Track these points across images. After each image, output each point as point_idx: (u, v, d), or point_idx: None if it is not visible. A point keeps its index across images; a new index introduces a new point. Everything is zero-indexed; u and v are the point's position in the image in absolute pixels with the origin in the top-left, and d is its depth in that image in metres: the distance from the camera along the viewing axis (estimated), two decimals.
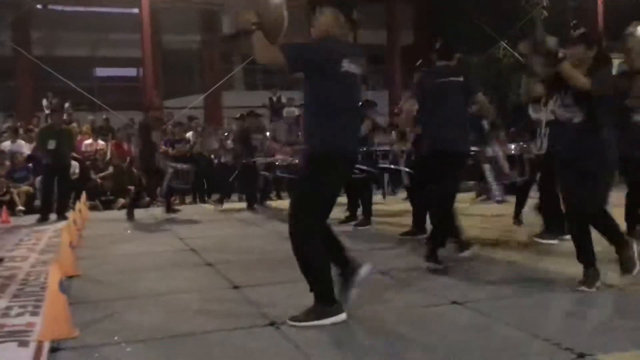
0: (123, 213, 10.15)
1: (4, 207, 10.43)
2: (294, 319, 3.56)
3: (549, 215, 5.98)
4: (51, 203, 9.96)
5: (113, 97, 18.76)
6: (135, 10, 16.09)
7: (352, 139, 3.68)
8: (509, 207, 7.33)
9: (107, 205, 11.93)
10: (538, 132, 6.14)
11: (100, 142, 13.73)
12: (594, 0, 18.19)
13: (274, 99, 18.86)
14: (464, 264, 5.09)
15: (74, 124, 15.17)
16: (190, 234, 7.48)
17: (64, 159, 10.02)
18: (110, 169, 12.59)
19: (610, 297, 4.00)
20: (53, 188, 9.94)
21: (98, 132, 14.42)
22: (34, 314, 3.98)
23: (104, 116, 16.33)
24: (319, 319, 3.52)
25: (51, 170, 9.90)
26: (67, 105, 16.66)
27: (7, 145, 12.99)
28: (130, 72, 21.22)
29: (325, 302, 3.56)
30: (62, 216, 9.67)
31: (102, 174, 12.66)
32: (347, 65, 3.51)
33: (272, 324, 3.61)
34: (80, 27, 18.62)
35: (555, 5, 18.76)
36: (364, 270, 3.67)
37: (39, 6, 19.22)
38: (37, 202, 10.67)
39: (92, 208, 11.42)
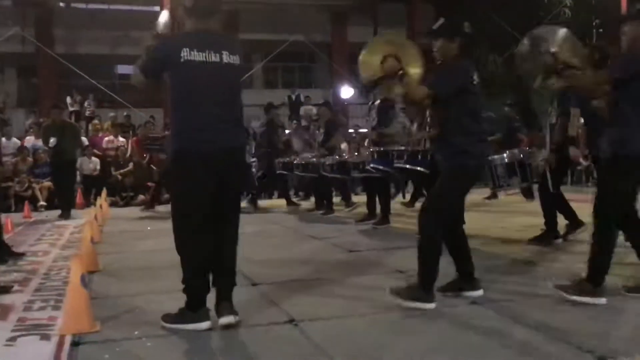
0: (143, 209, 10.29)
1: (26, 203, 10.58)
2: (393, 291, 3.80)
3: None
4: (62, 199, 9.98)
5: (134, 94, 18.90)
6: (157, 8, 16.17)
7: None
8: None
9: (128, 202, 12.04)
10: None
11: (121, 138, 13.87)
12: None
13: (293, 97, 18.92)
14: (484, 263, 5.05)
15: (96, 121, 15.35)
16: None
17: (67, 155, 9.68)
18: (131, 166, 12.70)
19: (634, 300, 3.95)
20: (60, 185, 9.99)
21: (119, 128, 14.58)
22: (55, 308, 4.03)
23: (125, 113, 16.48)
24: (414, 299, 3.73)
25: (55, 167, 9.88)
26: (88, 101, 16.88)
27: (30, 140, 13.19)
28: None
29: (425, 288, 3.76)
30: (66, 212, 9.54)
31: (122, 171, 12.78)
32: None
33: (290, 321, 3.62)
34: (102, 24, 18.86)
35: (578, 4, 18.57)
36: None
37: (61, 4, 19.50)
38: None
39: (113, 204, 11.54)
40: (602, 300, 3.79)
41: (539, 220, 6.09)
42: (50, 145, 9.48)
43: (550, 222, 6.00)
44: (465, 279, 4.07)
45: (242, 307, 3.68)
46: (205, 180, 3.41)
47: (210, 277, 3.57)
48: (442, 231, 3.87)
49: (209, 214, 3.46)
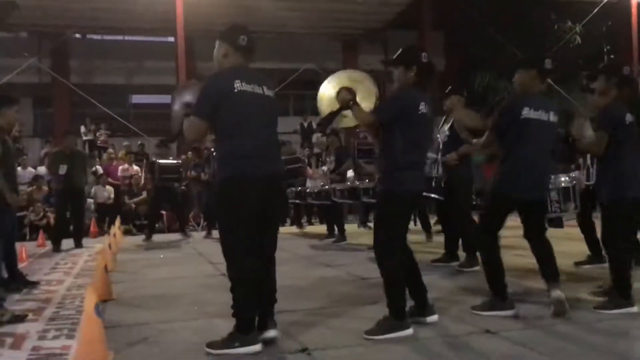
0: (158, 238, 10.33)
1: (41, 231, 10.67)
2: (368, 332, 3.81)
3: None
4: (65, 230, 9.59)
5: (148, 123, 19.14)
6: (171, 39, 16.48)
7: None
8: None
9: (141, 230, 12.10)
10: (582, 164, 6.15)
11: (135, 167, 14.00)
12: (628, 22, 17.99)
13: (305, 124, 19.03)
14: (470, 295, 5.01)
15: (110, 150, 15.51)
16: (221, 259, 7.48)
17: (77, 183, 9.47)
18: (144, 194, 12.80)
19: None
20: (66, 214, 9.61)
21: (133, 157, 14.73)
22: (69, 337, 4.04)
23: (139, 142, 16.64)
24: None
25: (64, 196, 9.43)
26: (101, 130, 17.07)
27: (43, 170, 13.34)
28: (166, 99, 21.55)
29: (397, 317, 3.81)
30: (78, 243, 9.41)
31: (136, 199, 12.88)
32: None
33: (303, 350, 3.61)
34: (117, 55, 19.15)
35: (588, 30, 18.65)
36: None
37: (77, 35, 19.84)
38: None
39: (126, 232, 11.61)
40: (635, 309, 4.20)
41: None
42: (60, 172, 9.22)
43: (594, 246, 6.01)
44: (420, 306, 4.10)
45: None
46: (254, 204, 3.56)
47: None
48: (397, 258, 3.90)
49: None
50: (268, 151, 3.66)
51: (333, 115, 4.08)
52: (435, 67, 4.31)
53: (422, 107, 3.92)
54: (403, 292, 3.91)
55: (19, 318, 4.53)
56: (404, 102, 3.94)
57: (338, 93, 4.09)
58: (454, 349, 3.60)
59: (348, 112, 4.07)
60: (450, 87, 6.53)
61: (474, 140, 5.65)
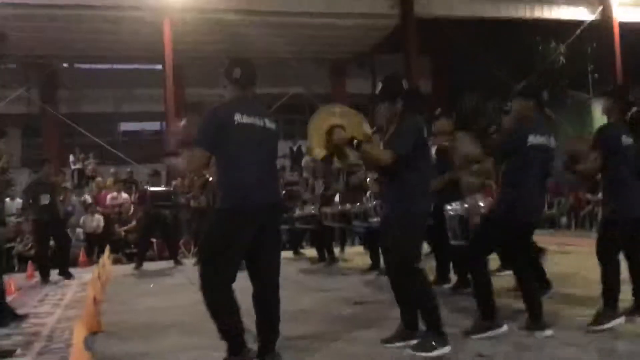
0: (149, 267, 10.23)
1: (29, 262, 10.54)
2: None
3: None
4: (49, 262, 9.25)
5: (137, 150, 19.12)
6: (159, 67, 16.53)
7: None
8: None
9: (131, 258, 11.98)
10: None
11: (124, 195, 13.93)
12: (611, 43, 18.26)
13: (294, 148, 19.08)
14: (464, 316, 4.99)
15: (99, 178, 15.46)
16: None
17: (58, 214, 9.28)
18: (134, 222, 12.72)
19: None
20: (49, 246, 9.34)
21: (123, 185, 14.65)
22: None
23: (128, 169, 16.60)
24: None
25: (46, 226, 9.09)
26: (90, 159, 17.02)
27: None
28: (155, 126, 21.67)
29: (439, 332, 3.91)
30: (64, 272, 9.17)
31: (125, 227, 12.80)
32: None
33: None
34: (105, 83, 19.21)
35: (572, 51, 18.90)
36: None
37: (65, 64, 19.89)
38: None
39: (116, 261, 11.50)
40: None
41: None
42: (43, 202, 8.90)
43: None
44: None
45: None
46: (248, 236, 3.64)
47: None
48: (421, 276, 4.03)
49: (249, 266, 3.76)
50: (267, 183, 3.73)
51: (332, 155, 4.05)
52: (420, 91, 4.40)
53: (424, 132, 4.07)
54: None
55: (7, 353, 4.46)
56: (415, 130, 4.03)
57: (330, 132, 4.07)
58: None
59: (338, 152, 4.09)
60: (439, 110, 6.57)
61: (475, 166, 5.72)
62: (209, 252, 3.74)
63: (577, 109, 18.12)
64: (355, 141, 3.97)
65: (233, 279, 3.66)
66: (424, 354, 3.82)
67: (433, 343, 3.85)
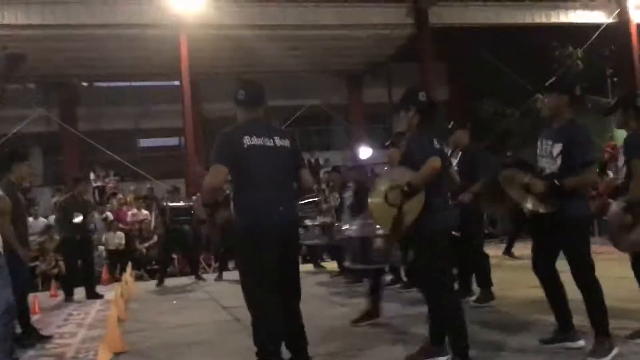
0: (170, 282, 10.27)
1: (53, 281, 10.65)
2: None
3: None
4: (77, 279, 9.34)
5: (156, 166, 19.24)
6: (176, 83, 16.64)
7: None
8: None
9: (153, 275, 12.04)
10: None
11: (144, 211, 14.02)
12: (629, 47, 18.07)
13: (312, 160, 19.10)
14: (511, 331, 4.94)
15: (120, 195, 15.58)
16: (234, 303, 7.38)
17: (89, 232, 9.39)
18: (155, 238, 12.79)
19: None
20: (77, 265, 9.28)
21: (143, 201, 14.75)
22: None
23: (148, 185, 16.70)
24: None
25: (77, 245, 9.09)
26: (111, 177, 17.16)
27: (53, 219, 13.34)
28: (173, 141, 21.81)
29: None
30: (92, 293, 9.13)
31: (147, 244, 12.88)
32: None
33: None
34: (123, 101, 19.39)
35: (590, 55, 18.72)
36: None
37: (84, 83, 20.13)
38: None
39: (138, 278, 11.57)
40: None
41: None
42: (75, 221, 8.93)
43: None
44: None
45: None
46: (273, 251, 3.74)
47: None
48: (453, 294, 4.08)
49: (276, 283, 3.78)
50: (282, 200, 3.82)
51: (398, 224, 3.94)
52: (437, 104, 4.36)
53: (436, 142, 4.04)
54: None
55: None
56: (425, 142, 4.02)
57: (385, 199, 3.99)
58: None
59: (406, 208, 3.93)
60: (453, 122, 6.53)
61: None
62: (243, 271, 3.86)
63: (597, 113, 17.91)
64: (405, 188, 3.87)
65: (273, 297, 3.73)
66: None
67: None
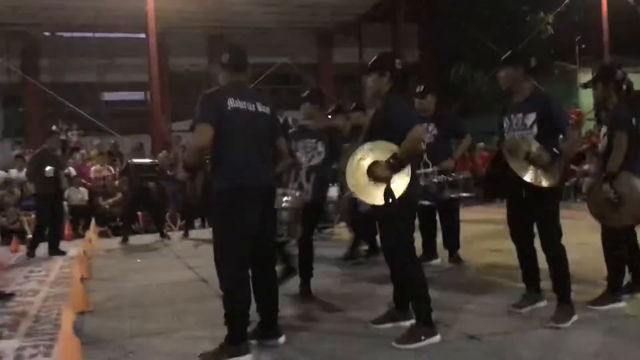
0: (135, 240, 10.18)
1: (14, 236, 10.45)
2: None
3: None
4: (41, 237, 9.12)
5: (121, 121, 18.86)
6: (142, 35, 16.20)
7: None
8: None
9: (117, 232, 11.89)
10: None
11: (108, 167, 13.76)
12: (598, 13, 18.17)
13: (281, 119, 18.90)
14: (478, 294, 5.02)
15: (82, 150, 15.25)
16: (199, 262, 7.30)
17: (60, 185, 9.22)
18: (119, 195, 12.60)
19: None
20: (49, 219, 9.05)
21: (107, 157, 14.46)
22: (46, 355, 3.97)
23: (112, 141, 16.38)
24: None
25: (50, 199, 8.96)
26: (74, 130, 16.74)
27: (14, 172, 13.02)
28: (138, 95, 21.34)
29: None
30: (58, 251, 8.95)
31: (110, 200, 12.69)
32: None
33: None
34: (87, 53, 18.78)
35: (560, 21, 18.79)
36: None
37: (46, 33, 19.44)
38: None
39: (102, 234, 11.42)
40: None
41: None
42: (47, 174, 8.73)
43: None
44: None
45: None
46: (255, 214, 3.74)
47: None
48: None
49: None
50: (261, 165, 3.82)
51: (388, 194, 3.76)
52: (410, 73, 4.30)
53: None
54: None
55: None
56: (407, 109, 4.05)
57: (371, 173, 3.81)
58: (440, 357, 3.59)
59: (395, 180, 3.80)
60: (423, 87, 6.46)
61: None
62: (218, 235, 3.79)
63: (564, 79, 18.08)
64: (391, 161, 3.75)
65: (247, 262, 3.73)
66: (410, 345, 3.74)
67: (422, 337, 3.76)
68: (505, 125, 4.36)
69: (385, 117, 3.94)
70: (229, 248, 3.70)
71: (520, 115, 4.23)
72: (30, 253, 8.90)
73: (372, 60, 4.12)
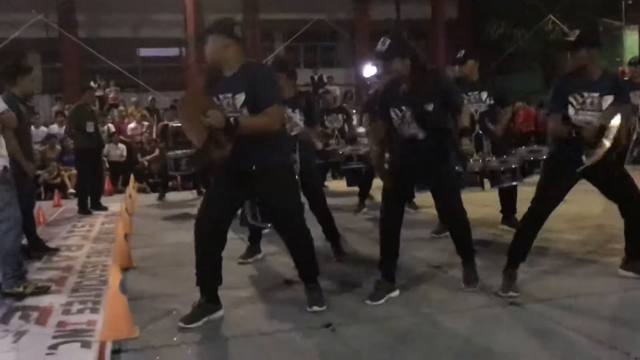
0: (172, 197, 10.31)
1: (56, 191, 10.70)
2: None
3: None
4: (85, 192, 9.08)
5: (157, 77, 18.95)
6: None
7: None
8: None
9: (155, 188, 12.04)
10: None
11: (146, 123, 13.90)
12: None
13: (316, 77, 18.81)
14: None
15: (121, 107, 15.40)
16: (236, 221, 7.32)
17: (100, 140, 9.35)
18: (157, 151, 12.74)
19: None
20: (90, 175, 9.04)
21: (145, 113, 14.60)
22: (93, 310, 4.06)
23: (150, 97, 16.49)
24: None
25: (91, 155, 8.92)
26: (111, 87, 16.88)
27: (55, 128, 13.27)
28: (173, 52, 21.36)
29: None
30: (99, 205, 9.09)
31: (148, 157, 12.84)
32: None
33: (327, 325, 3.61)
34: (123, 8, 18.77)
35: None
36: None
37: None
38: None
39: (140, 191, 11.62)
40: None
41: None
42: (88, 130, 8.70)
43: None
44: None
45: (276, 310, 3.70)
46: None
47: None
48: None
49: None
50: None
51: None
52: (423, 57, 4.39)
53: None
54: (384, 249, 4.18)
55: (42, 290, 4.54)
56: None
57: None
58: (480, 323, 3.59)
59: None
60: (463, 52, 6.23)
61: None
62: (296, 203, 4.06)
63: (608, 38, 17.48)
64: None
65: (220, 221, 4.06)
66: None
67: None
68: (572, 104, 4.01)
69: (447, 90, 4.21)
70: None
71: (596, 94, 3.97)
72: (83, 210, 8.84)
73: (388, 46, 4.06)
